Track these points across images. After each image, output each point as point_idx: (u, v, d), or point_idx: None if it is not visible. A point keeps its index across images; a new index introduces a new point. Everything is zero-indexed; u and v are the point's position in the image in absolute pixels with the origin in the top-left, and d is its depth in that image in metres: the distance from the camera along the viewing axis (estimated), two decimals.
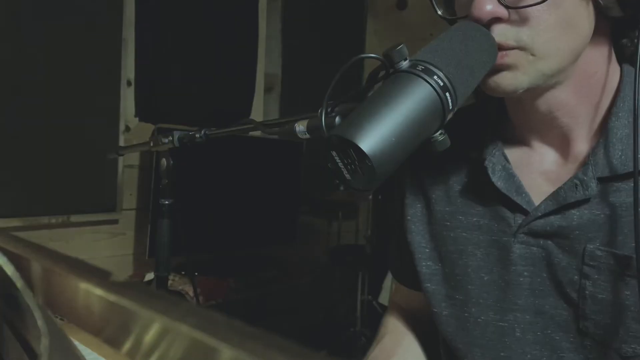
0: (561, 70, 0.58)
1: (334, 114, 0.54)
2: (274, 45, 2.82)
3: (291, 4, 2.85)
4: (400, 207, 0.78)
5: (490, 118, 0.71)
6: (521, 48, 0.56)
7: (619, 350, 0.59)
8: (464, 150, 0.70)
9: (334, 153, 0.46)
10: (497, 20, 0.55)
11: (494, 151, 0.67)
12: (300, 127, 0.60)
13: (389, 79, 0.48)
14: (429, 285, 0.73)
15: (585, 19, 0.57)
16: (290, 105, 2.82)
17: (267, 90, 2.80)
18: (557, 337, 0.64)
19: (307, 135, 0.60)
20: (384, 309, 2.75)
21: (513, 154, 0.68)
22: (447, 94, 0.47)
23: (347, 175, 0.46)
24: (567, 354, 0.63)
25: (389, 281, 2.76)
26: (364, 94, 0.51)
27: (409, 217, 0.76)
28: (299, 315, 2.51)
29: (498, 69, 0.57)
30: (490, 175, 0.66)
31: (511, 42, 0.55)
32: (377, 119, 0.44)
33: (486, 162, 0.67)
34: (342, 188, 2.61)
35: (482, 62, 0.53)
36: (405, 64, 0.48)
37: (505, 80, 0.57)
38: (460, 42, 0.52)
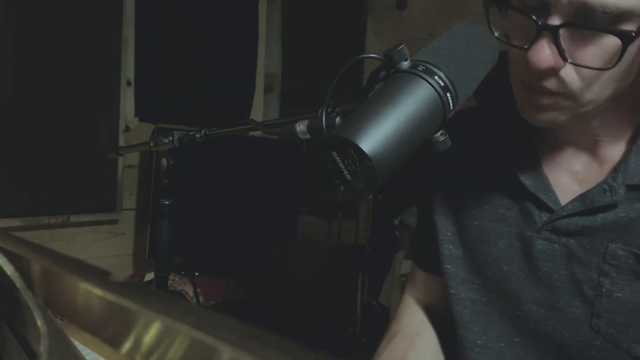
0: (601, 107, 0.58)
1: (334, 114, 0.54)
2: (274, 45, 2.82)
3: (291, 4, 2.85)
4: (430, 191, 0.80)
5: (522, 117, 0.72)
6: (568, 96, 0.55)
7: (629, 351, 0.60)
8: (496, 145, 0.72)
9: (334, 153, 0.46)
10: (554, 70, 0.54)
11: (524, 150, 0.68)
12: (301, 127, 0.60)
13: (389, 79, 0.48)
14: (449, 267, 0.75)
15: (635, 66, 0.56)
16: (290, 105, 2.82)
17: (267, 90, 2.80)
18: (567, 335, 0.65)
19: (308, 136, 0.60)
20: (384, 309, 2.76)
21: (544, 152, 0.68)
22: (448, 94, 0.47)
23: (348, 176, 0.46)
24: (575, 352, 0.64)
25: (389, 281, 2.76)
26: (365, 94, 0.51)
27: (437, 200, 0.78)
28: (299, 315, 2.51)
29: (539, 108, 0.57)
30: (518, 173, 0.67)
31: (557, 89, 0.55)
32: (377, 119, 0.44)
33: (515, 161, 0.68)
34: (342, 188, 2.61)
35: (484, 62, 0.53)
36: (405, 64, 0.48)
37: (544, 118, 0.58)
38: (461, 42, 0.51)
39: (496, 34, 0.58)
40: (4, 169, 1.82)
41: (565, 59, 0.53)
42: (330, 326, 2.70)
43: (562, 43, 0.53)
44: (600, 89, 0.55)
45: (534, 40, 0.54)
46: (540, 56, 0.53)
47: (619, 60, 0.52)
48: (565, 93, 0.55)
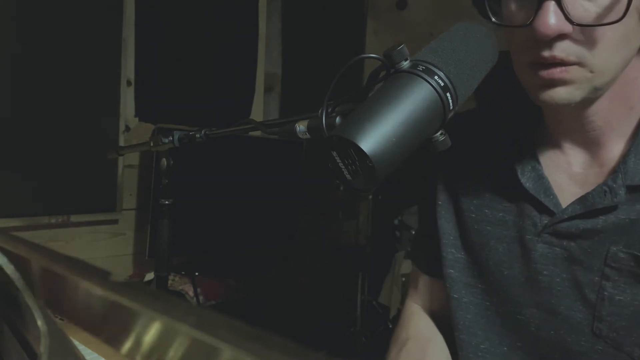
0: (612, 82, 0.58)
1: (334, 114, 0.54)
2: (274, 45, 2.82)
3: (291, 4, 2.85)
4: (433, 193, 0.79)
5: (522, 118, 0.71)
6: (582, 64, 0.55)
7: (631, 354, 0.60)
8: (496, 148, 0.71)
9: (334, 153, 0.46)
10: (562, 37, 0.54)
11: (524, 152, 0.68)
12: (301, 127, 0.60)
13: (389, 79, 0.48)
14: (451, 271, 0.75)
15: (638, 32, 0.57)
16: (290, 105, 2.82)
17: (267, 90, 2.80)
18: (569, 339, 0.64)
19: (308, 135, 0.60)
20: (384, 309, 2.76)
21: (544, 154, 0.68)
22: (448, 94, 0.47)
23: (348, 176, 0.46)
24: (577, 356, 0.64)
25: (389, 281, 2.76)
26: (365, 94, 0.50)
27: (440, 202, 0.77)
28: (299, 315, 2.51)
29: (554, 84, 0.56)
30: (520, 176, 0.66)
31: (573, 58, 0.55)
32: (377, 119, 0.44)
33: (515, 163, 0.67)
34: (342, 188, 2.60)
35: (483, 62, 0.53)
36: (405, 64, 0.48)
37: (560, 95, 0.57)
38: (461, 42, 0.51)
39: (494, 19, 0.59)
40: (4, 169, 1.81)
41: (572, 22, 0.53)
42: (330, 326, 2.70)
43: (565, 6, 0.53)
44: (611, 52, 0.55)
45: (537, 10, 0.53)
46: (547, 23, 0.52)
47: (627, 10, 0.51)
48: (578, 61, 0.55)
